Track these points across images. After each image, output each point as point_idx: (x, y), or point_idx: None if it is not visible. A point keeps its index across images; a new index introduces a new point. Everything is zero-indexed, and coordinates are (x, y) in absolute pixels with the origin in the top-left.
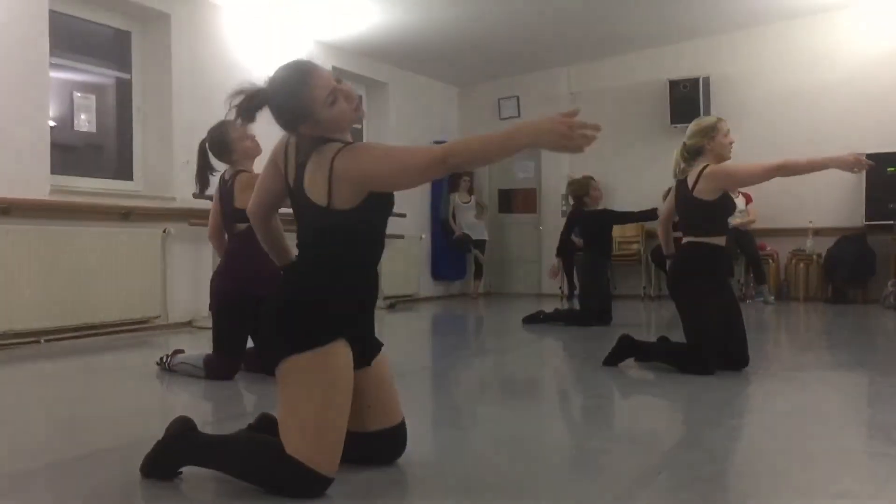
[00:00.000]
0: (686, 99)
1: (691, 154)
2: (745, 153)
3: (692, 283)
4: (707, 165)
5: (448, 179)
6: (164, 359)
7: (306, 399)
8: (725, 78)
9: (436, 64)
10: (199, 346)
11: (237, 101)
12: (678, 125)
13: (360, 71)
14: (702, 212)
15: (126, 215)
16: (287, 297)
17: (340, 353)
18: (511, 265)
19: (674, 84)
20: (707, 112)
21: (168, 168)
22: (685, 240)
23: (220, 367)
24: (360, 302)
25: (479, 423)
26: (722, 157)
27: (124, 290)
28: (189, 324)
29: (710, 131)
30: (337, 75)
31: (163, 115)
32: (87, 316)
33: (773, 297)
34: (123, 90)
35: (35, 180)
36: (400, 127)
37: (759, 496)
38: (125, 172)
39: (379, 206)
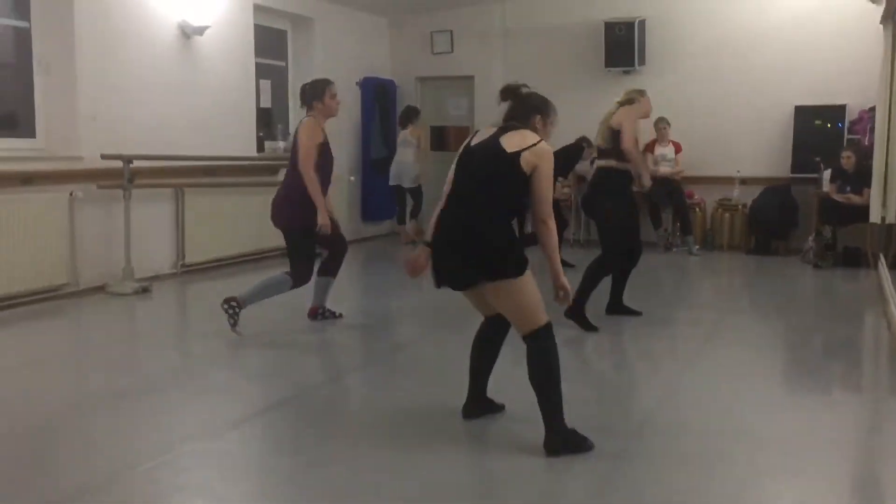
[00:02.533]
0: (621, 42)
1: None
2: (677, 98)
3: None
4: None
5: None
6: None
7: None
8: (661, 22)
9: None
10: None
11: None
12: (612, 69)
13: (283, 7)
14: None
15: (28, 180)
16: None
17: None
18: None
19: (609, 26)
20: (641, 56)
21: (73, 124)
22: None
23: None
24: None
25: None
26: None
27: (27, 260)
28: (102, 289)
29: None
30: None
31: (66, 66)
32: None
33: (697, 248)
34: (22, 39)
35: None
36: (327, 64)
37: None
38: (26, 130)
39: None
